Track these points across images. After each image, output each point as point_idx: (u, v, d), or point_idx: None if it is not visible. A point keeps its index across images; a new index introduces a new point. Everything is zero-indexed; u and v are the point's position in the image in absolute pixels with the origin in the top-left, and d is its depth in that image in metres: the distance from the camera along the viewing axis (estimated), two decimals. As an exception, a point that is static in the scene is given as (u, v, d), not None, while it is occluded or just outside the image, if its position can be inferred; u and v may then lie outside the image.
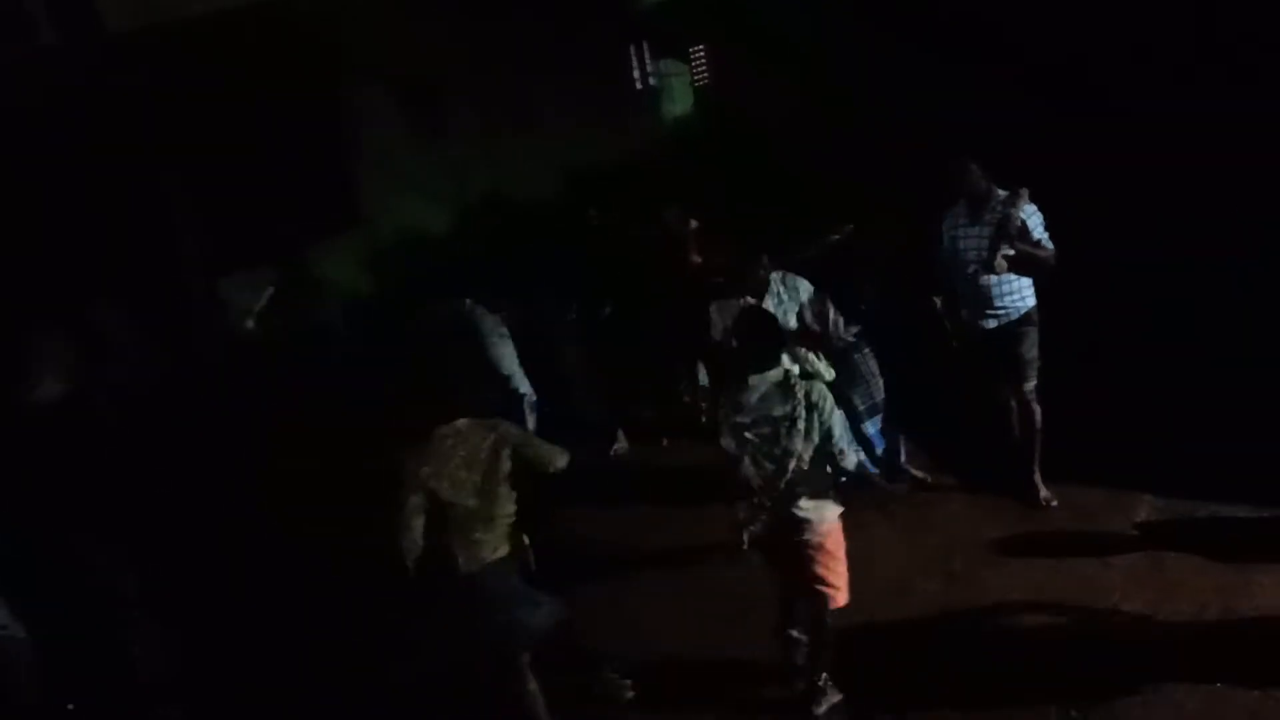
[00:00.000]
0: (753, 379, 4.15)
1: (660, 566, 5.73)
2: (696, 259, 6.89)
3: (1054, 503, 5.59)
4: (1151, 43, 7.63)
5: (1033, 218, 5.24)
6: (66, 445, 4.27)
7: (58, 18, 7.35)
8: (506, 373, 5.97)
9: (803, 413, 4.11)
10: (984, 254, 5.31)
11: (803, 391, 4.14)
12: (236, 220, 7.47)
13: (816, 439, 4.14)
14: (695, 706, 4.69)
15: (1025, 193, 5.25)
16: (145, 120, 7.07)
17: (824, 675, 4.47)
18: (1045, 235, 5.27)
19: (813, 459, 4.15)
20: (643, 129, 11.33)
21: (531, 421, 5.95)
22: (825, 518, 4.24)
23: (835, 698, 4.47)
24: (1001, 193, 5.31)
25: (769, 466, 4.17)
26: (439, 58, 9.21)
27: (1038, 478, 5.63)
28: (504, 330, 6.05)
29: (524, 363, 6.14)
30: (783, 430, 4.12)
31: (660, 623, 5.26)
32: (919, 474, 6.02)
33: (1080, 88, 7.79)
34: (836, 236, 6.20)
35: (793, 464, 4.13)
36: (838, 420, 4.53)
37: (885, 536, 5.50)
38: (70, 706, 4.15)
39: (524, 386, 6.03)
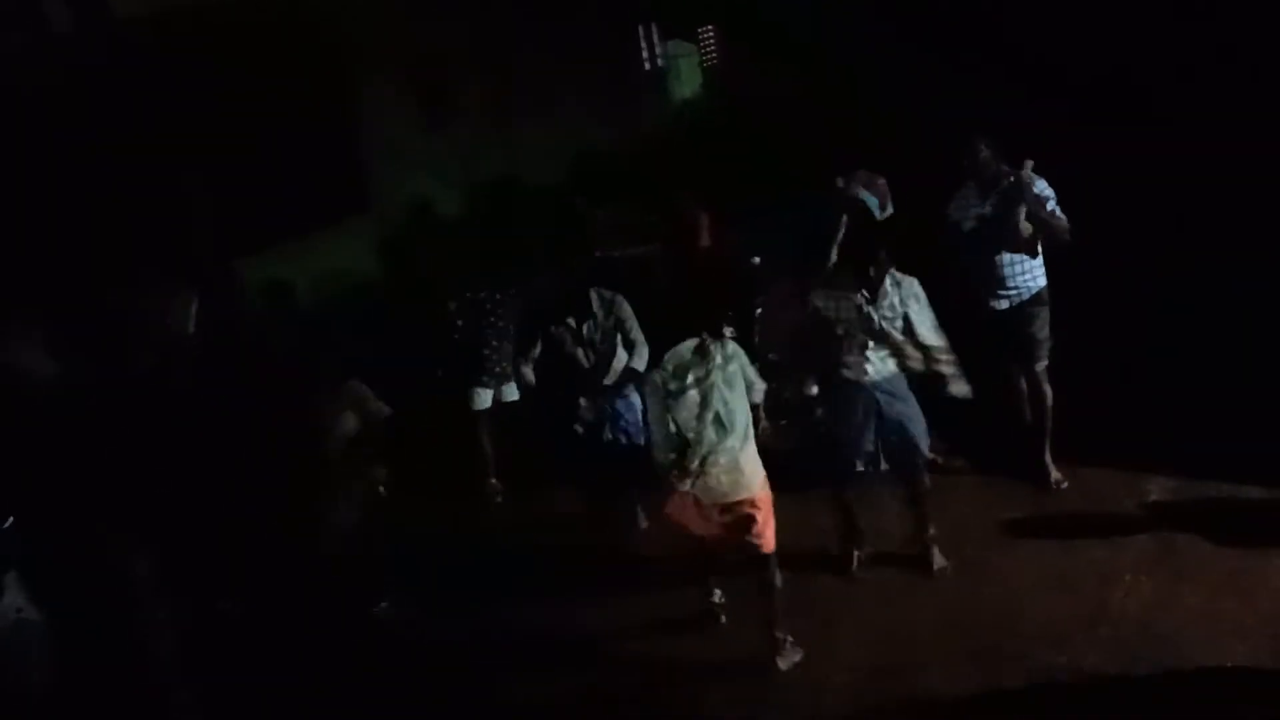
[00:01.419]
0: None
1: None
2: (707, 246, 6.83)
3: (1064, 484, 5.59)
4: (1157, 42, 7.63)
5: (1044, 191, 5.23)
6: (81, 432, 4.29)
7: (69, 4, 7.34)
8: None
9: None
10: (995, 233, 5.30)
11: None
12: (247, 207, 7.46)
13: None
14: (704, 694, 4.69)
15: (1030, 164, 5.22)
16: (156, 106, 7.06)
17: (785, 633, 4.69)
18: (1057, 208, 5.26)
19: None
20: (651, 111, 11.24)
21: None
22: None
23: (796, 655, 4.66)
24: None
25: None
26: (448, 43, 9.17)
27: (1048, 458, 5.63)
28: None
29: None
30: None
31: (665, 610, 5.24)
32: (931, 456, 5.98)
33: (1083, 84, 7.80)
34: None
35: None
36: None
37: (896, 518, 5.48)
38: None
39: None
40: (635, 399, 5.53)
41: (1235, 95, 7.19)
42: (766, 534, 4.67)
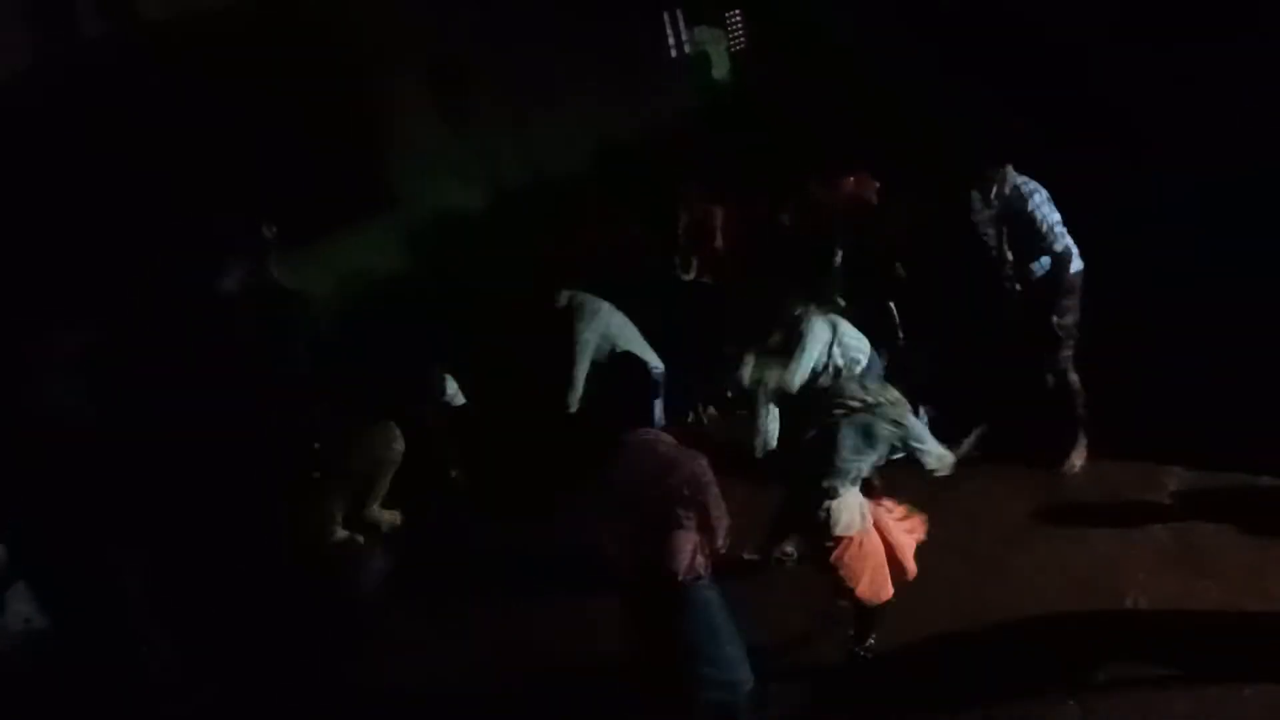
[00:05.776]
0: None
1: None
2: (719, 241, 6.76)
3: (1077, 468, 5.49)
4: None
5: (1041, 208, 5.15)
6: (84, 444, 4.38)
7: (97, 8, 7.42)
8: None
9: None
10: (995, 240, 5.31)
11: None
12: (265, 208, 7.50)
13: None
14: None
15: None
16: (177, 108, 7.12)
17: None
18: (1055, 221, 5.16)
19: None
20: (679, 100, 11.05)
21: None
22: None
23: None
24: (1013, 177, 5.21)
25: None
26: (468, 32, 9.10)
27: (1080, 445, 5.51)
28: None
29: None
30: None
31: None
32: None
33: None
34: None
35: None
36: None
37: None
38: None
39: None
40: None
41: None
42: None
